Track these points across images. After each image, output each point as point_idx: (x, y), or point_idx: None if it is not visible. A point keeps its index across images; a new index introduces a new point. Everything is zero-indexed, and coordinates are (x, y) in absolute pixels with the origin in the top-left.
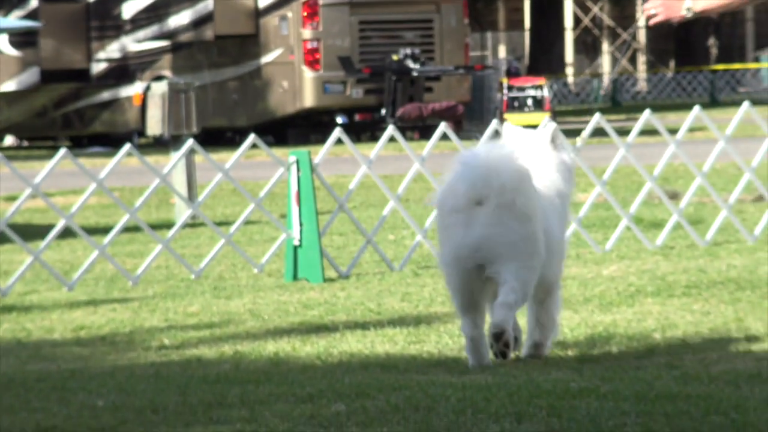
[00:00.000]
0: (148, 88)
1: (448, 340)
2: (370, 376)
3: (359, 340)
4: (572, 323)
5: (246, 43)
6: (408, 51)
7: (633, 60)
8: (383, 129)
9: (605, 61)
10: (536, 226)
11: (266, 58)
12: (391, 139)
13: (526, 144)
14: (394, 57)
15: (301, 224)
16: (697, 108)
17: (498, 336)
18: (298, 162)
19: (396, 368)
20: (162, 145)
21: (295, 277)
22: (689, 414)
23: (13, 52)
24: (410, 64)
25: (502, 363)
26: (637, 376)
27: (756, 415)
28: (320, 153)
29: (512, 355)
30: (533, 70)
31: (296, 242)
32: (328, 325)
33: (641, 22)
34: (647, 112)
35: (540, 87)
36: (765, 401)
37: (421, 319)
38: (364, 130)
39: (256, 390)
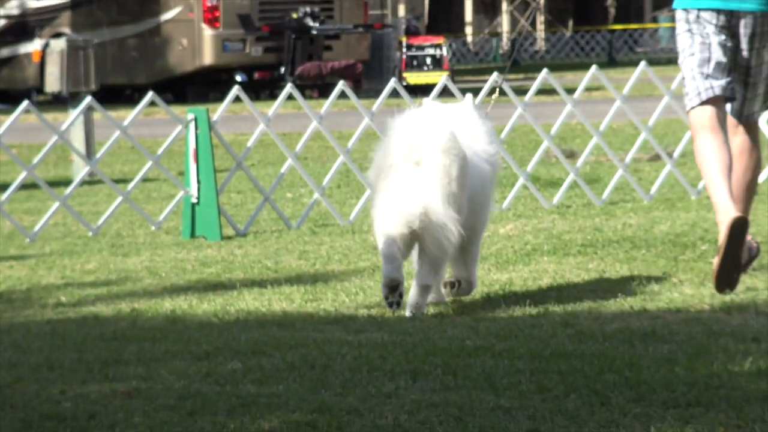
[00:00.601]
0: (47, 45)
1: (344, 298)
2: (267, 333)
3: (256, 298)
4: None
5: (146, 1)
6: (307, 9)
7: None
8: (282, 87)
9: (504, 20)
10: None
11: (166, 16)
12: (290, 97)
13: (453, 115)
14: (294, 15)
15: (198, 182)
16: (594, 68)
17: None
18: (196, 119)
19: (292, 326)
20: (61, 102)
21: (192, 235)
22: (583, 372)
23: None
24: (309, 22)
25: (398, 320)
26: (532, 334)
27: (649, 373)
28: (218, 111)
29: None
30: (432, 29)
31: (194, 200)
32: (225, 282)
33: None
34: (544, 71)
35: (439, 46)
36: (658, 359)
37: (318, 277)
38: (264, 88)
39: (152, 347)
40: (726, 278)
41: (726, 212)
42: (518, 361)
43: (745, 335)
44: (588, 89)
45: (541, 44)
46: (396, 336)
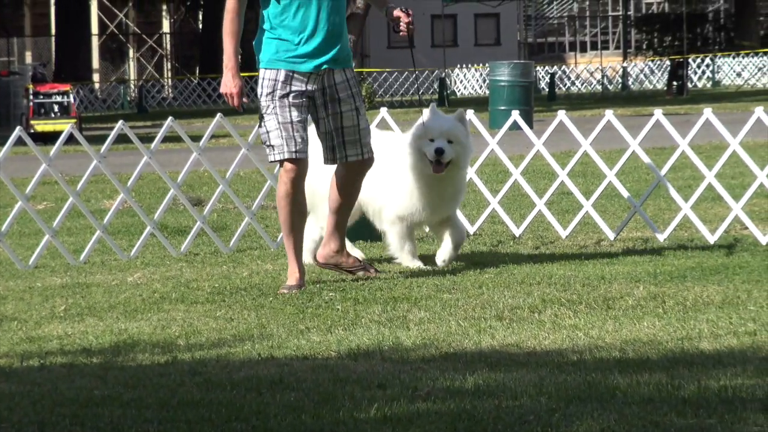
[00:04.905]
0: None
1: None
2: None
3: None
4: (97, 330)
5: None
6: None
7: (159, 67)
8: None
9: (132, 67)
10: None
11: None
12: None
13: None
14: None
15: None
16: (219, 115)
17: None
18: None
19: None
20: None
21: None
22: (211, 421)
23: None
24: None
25: (26, 371)
26: (160, 383)
27: (276, 421)
28: None
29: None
30: (59, 76)
31: None
32: None
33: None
34: (170, 119)
35: (66, 93)
36: (286, 407)
37: None
38: None
39: None
40: None
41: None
42: (146, 410)
43: (371, 382)
44: (215, 136)
45: (168, 91)
46: (23, 386)
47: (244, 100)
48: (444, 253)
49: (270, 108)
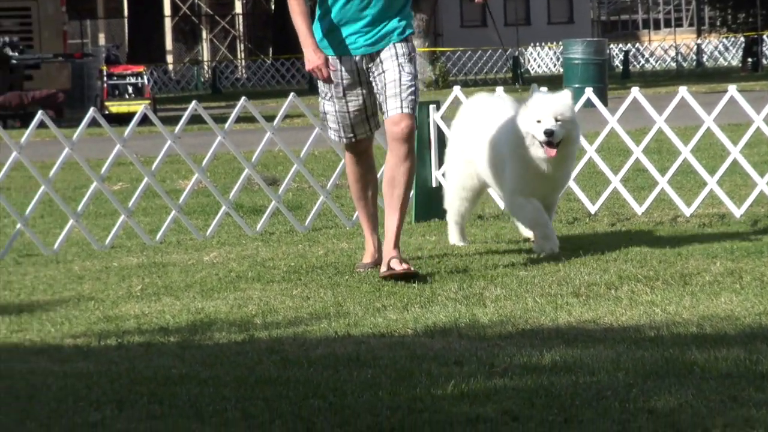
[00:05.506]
0: None
1: (50, 328)
2: None
3: None
4: (174, 309)
5: None
6: (6, 39)
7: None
8: None
9: (205, 49)
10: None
11: None
12: None
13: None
14: None
15: None
16: (292, 95)
17: None
18: None
19: None
20: None
21: None
22: (288, 398)
23: None
24: (9, 52)
25: (104, 350)
26: (237, 361)
27: (353, 398)
28: None
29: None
30: (133, 58)
31: None
32: None
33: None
34: (243, 99)
35: (140, 74)
36: (362, 384)
37: (23, 308)
38: None
39: None
40: None
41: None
42: (224, 388)
43: (447, 359)
44: (289, 116)
45: (242, 72)
46: (101, 365)
47: (332, 68)
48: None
49: (327, 95)
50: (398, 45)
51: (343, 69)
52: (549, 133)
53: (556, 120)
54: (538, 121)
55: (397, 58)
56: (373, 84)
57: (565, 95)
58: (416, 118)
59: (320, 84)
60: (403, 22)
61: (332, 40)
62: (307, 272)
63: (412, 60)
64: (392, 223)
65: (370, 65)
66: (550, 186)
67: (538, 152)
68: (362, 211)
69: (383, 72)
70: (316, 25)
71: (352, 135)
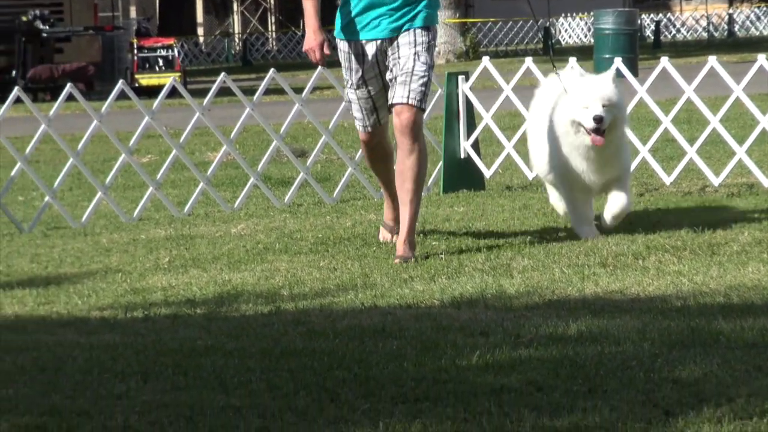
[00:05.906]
0: None
1: (77, 300)
2: None
3: None
4: (201, 281)
5: None
6: (37, 12)
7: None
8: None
9: (236, 21)
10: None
11: None
12: (20, 100)
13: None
14: (24, 18)
15: None
16: (321, 67)
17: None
18: None
19: (24, 329)
20: None
21: None
22: (313, 369)
23: None
24: (39, 25)
25: (130, 322)
26: (263, 333)
27: (379, 369)
28: None
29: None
30: (163, 30)
31: None
32: None
33: None
34: (272, 71)
35: (170, 47)
36: (388, 355)
37: (51, 280)
38: None
39: None
40: None
41: None
42: (249, 359)
43: (473, 330)
44: (318, 88)
45: (272, 44)
46: (127, 337)
47: (326, 52)
48: (604, 216)
49: (349, 82)
50: (418, 32)
51: (368, 54)
52: (599, 120)
53: (603, 106)
54: (585, 108)
55: (415, 46)
56: (388, 67)
57: (608, 78)
58: (424, 110)
59: (343, 72)
60: (430, 11)
61: (358, 24)
62: (335, 244)
63: (429, 49)
64: (404, 217)
65: (389, 49)
66: (599, 173)
67: (584, 140)
68: (386, 191)
69: (398, 58)
70: (344, 9)
71: (376, 118)
